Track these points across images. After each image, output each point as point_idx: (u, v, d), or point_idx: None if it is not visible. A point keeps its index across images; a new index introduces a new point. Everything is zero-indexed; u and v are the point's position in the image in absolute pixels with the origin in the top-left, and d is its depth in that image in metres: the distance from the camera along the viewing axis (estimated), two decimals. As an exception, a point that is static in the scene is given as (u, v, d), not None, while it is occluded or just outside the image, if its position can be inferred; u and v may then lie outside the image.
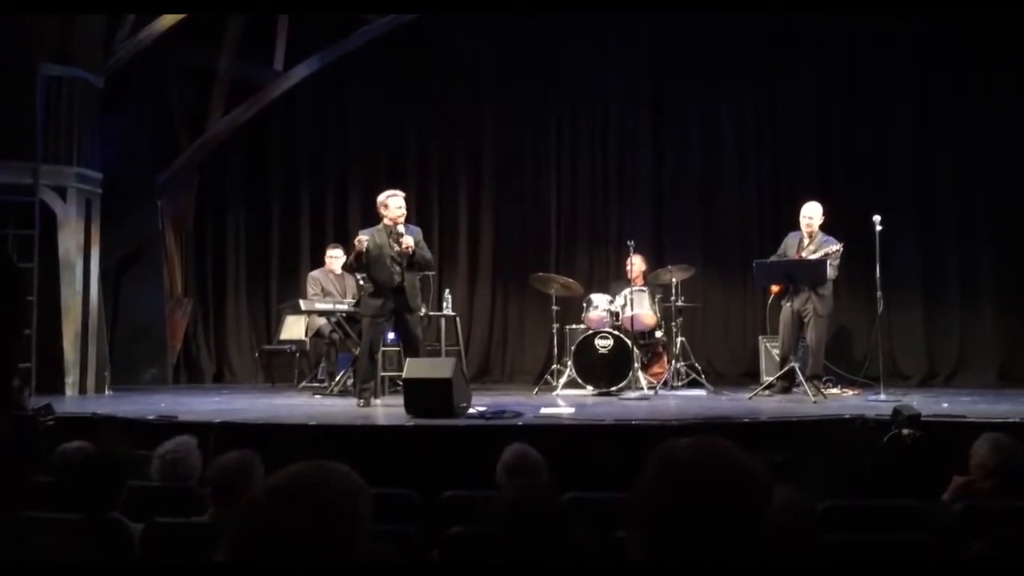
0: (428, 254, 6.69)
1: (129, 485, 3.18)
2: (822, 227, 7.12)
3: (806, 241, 7.07)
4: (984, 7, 7.52)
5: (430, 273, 7.88)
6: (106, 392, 7.87)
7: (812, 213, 7.09)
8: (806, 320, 6.93)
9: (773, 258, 7.21)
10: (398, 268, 6.44)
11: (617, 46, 9.40)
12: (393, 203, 6.54)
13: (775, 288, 7.20)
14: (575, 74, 9.50)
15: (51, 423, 5.16)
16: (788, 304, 6.95)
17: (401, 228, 6.46)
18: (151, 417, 5.47)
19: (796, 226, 7.21)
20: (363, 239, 6.36)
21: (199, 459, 3.72)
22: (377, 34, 9.01)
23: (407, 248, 6.37)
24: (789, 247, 7.16)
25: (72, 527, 2.81)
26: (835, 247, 6.85)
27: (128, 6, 7.87)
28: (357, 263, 6.57)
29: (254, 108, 9.09)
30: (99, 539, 2.73)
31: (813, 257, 6.87)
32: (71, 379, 7.63)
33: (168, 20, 8.16)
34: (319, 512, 1.15)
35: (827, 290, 6.92)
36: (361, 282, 6.86)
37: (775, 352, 7.48)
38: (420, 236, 6.66)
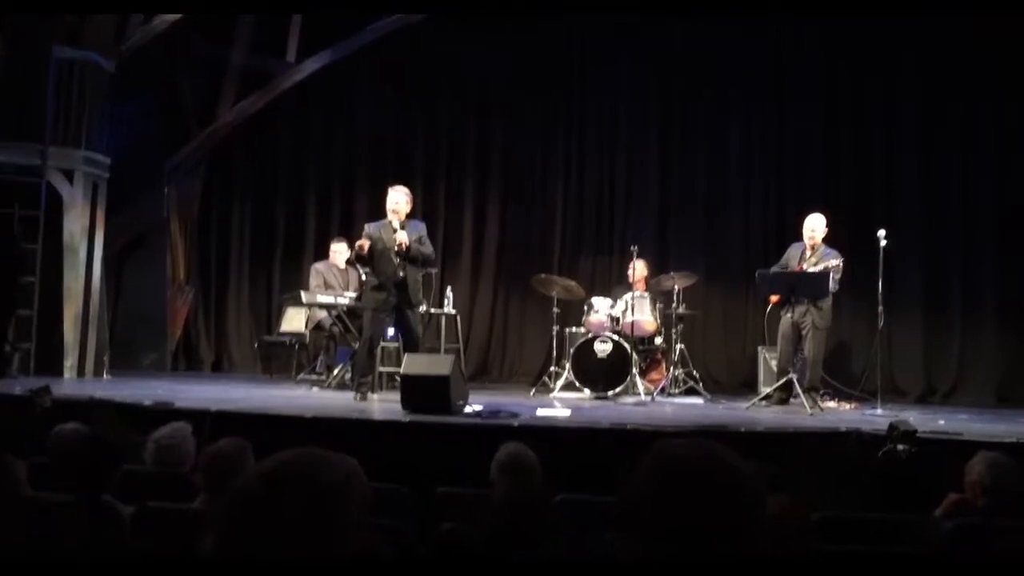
0: (428, 250, 6.69)
1: (123, 469, 3.18)
2: (825, 240, 7.11)
3: (808, 253, 7.07)
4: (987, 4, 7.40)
5: (432, 270, 7.89)
6: (104, 376, 7.88)
7: (815, 225, 7.09)
8: (804, 332, 6.92)
9: (775, 268, 7.20)
10: (401, 262, 6.47)
11: (626, 57, 9.39)
12: (390, 198, 6.63)
13: (774, 298, 7.20)
14: (584, 83, 9.49)
15: (48, 405, 5.17)
16: (787, 315, 6.95)
17: (396, 223, 6.49)
18: (147, 402, 5.48)
19: (799, 238, 7.20)
20: (364, 243, 6.41)
21: (193, 446, 3.73)
22: (390, 30, 9.01)
23: (399, 244, 6.42)
24: (791, 258, 7.15)
25: (64, 508, 2.81)
26: (836, 261, 6.84)
27: (135, 5, 7.86)
28: (359, 260, 6.59)
29: (264, 99, 9.11)
30: (90, 521, 2.73)
31: (814, 269, 6.87)
32: (70, 362, 7.65)
33: (182, 7, 8.17)
34: (309, 499, 1.14)
35: (826, 303, 6.91)
36: (364, 276, 6.88)
37: (774, 363, 7.47)
38: (424, 232, 6.68)
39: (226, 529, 1.16)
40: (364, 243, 6.42)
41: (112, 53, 7.99)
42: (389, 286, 6.46)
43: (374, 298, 6.52)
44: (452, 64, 9.58)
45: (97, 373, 7.86)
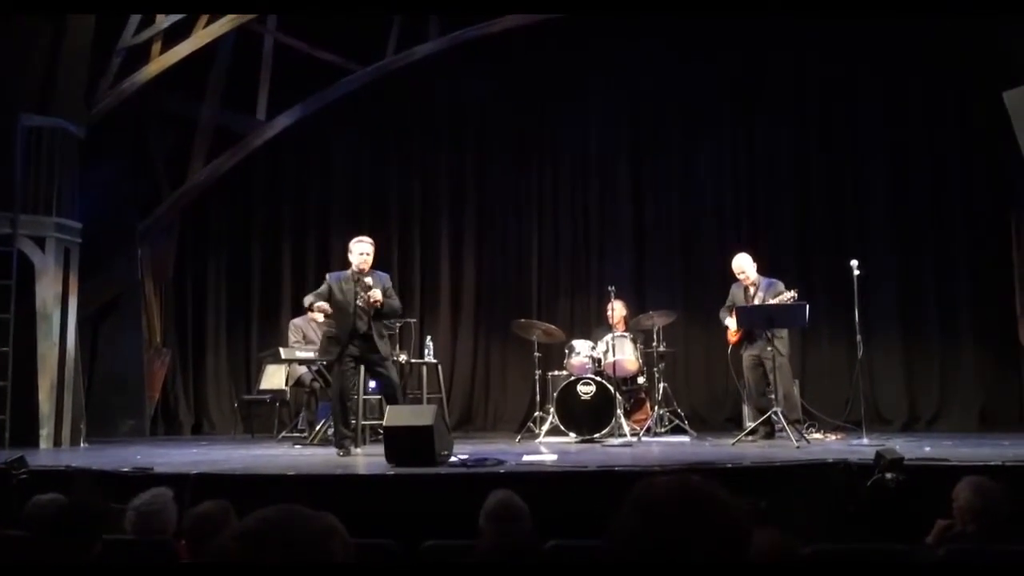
0: (396, 302, 6.62)
1: (103, 539, 3.10)
2: (761, 271, 7.21)
3: (752, 290, 7.17)
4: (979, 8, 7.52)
5: (411, 320, 7.86)
6: (81, 444, 7.72)
7: (743, 265, 7.23)
8: (769, 366, 6.95)
9: (723, 310, 7.29)
10: (365, 317, 6.39)
11: (597, 95, 9.56)
12: (355, 249, 6.49)
13: (732, 338, 7.26)
14: (556, 122, 9.64)
15: (24, 476, 5.05)
16: (748, 352, 7.07)
17: (368, 279, 6.41)
18: (126, 469, 5.37)
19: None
20: (324, 307, 6.34)
21: (175, 512, 3.64)
22: (360, 84, 9.12)
23: (374, 303, 6.33)
24: (736, 297, 7.25)
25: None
26: (788, 294, 6.92)
27: (126, 5, 7.86)
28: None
29: (236, 157, 9.13)
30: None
31: (772, 302, 6.95)
32: (46, 431, 7.49)
33: (152, 70, 8.22)
34: (287, 556, 1.12)
35: (782, 331, 6.98)
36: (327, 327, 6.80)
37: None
38: (389, 283, 6.62)
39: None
40: (324, 306, 6.36)
41: (81, 118, 7.99)
42: (346, 338, 6.37)
43: (330, 351, 6.46)
44: (422, 108, 9.70)
45: (74, 442, 7.69)
